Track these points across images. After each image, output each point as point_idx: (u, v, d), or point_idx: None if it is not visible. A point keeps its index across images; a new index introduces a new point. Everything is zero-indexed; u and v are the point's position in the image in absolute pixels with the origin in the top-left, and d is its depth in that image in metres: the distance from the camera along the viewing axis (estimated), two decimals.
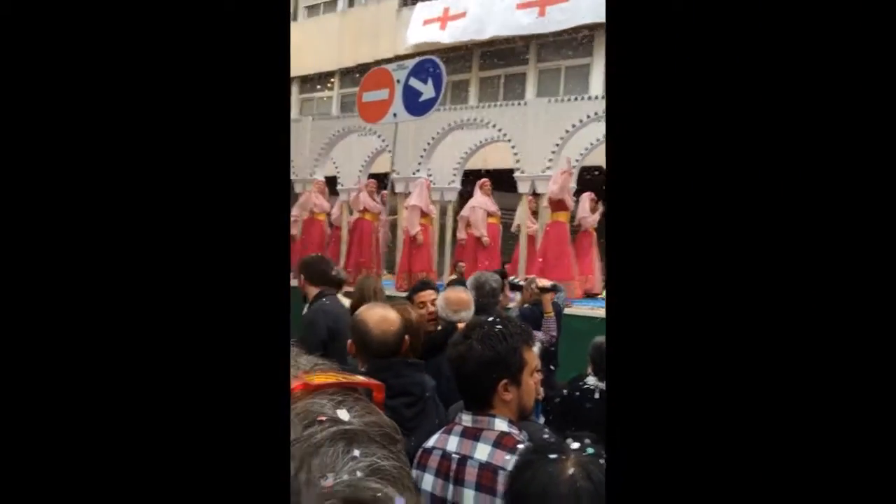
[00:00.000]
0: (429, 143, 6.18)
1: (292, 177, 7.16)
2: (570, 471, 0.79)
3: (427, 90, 4.69)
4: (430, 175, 6.38)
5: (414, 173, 6.20)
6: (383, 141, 6.31)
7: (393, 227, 6.63)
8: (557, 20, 8.86)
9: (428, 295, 2.37)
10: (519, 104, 6.17)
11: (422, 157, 6.22)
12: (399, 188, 6.36)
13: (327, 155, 7.07)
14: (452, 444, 1.15)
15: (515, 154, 5.77)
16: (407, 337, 1.48)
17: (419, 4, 10.49)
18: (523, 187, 5.85)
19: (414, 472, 1.19)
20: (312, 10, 12.28)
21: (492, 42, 9.74)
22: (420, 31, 10.08)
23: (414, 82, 4.78)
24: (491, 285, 2.49)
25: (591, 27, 8.82)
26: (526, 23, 9.17)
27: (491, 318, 1.20)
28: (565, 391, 2.13)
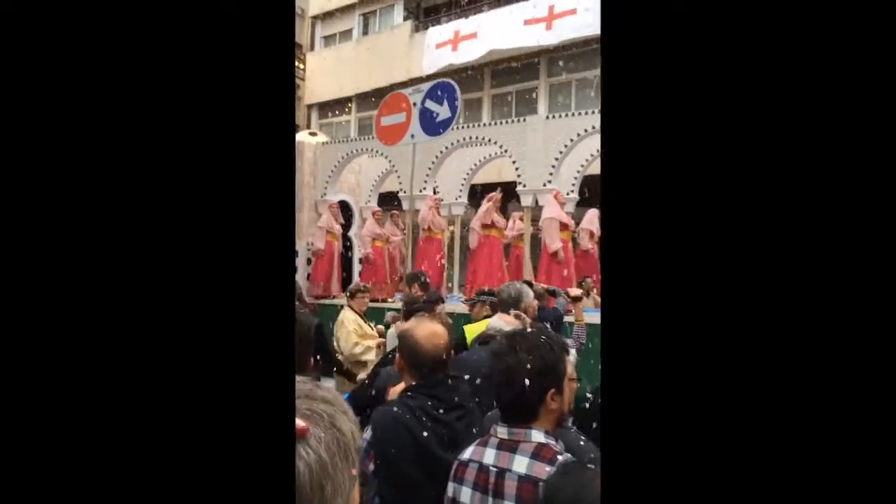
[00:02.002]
0: (560, 152, 5.95)
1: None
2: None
3: (443, 111, 4.80)
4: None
5: (545, 185, 5.96)
6: (500, 145, 6.12)
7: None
8: (564, 33, 8.96)
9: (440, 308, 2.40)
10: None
11: (553, 166, 5.99)
12: (526, 202, 6.14)
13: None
14: (489, 456, 1.14)
15: None
16: (452, 352, 1.52)
17: (431, 29, 10.69)
18: None
19: (451, 486, 1.19)
20: (329, 39, 12.65)
21: (501, 60, 9.86)
22: (434, 55, 10.25)
23: (430, 104, 4.91)
24: (508, 295, 2.49)
25: (598, 39, 8.86)
26: (534, 38, 9.28)
27: (530, 330, 1.21)
28: (596, 398, 2.11)
